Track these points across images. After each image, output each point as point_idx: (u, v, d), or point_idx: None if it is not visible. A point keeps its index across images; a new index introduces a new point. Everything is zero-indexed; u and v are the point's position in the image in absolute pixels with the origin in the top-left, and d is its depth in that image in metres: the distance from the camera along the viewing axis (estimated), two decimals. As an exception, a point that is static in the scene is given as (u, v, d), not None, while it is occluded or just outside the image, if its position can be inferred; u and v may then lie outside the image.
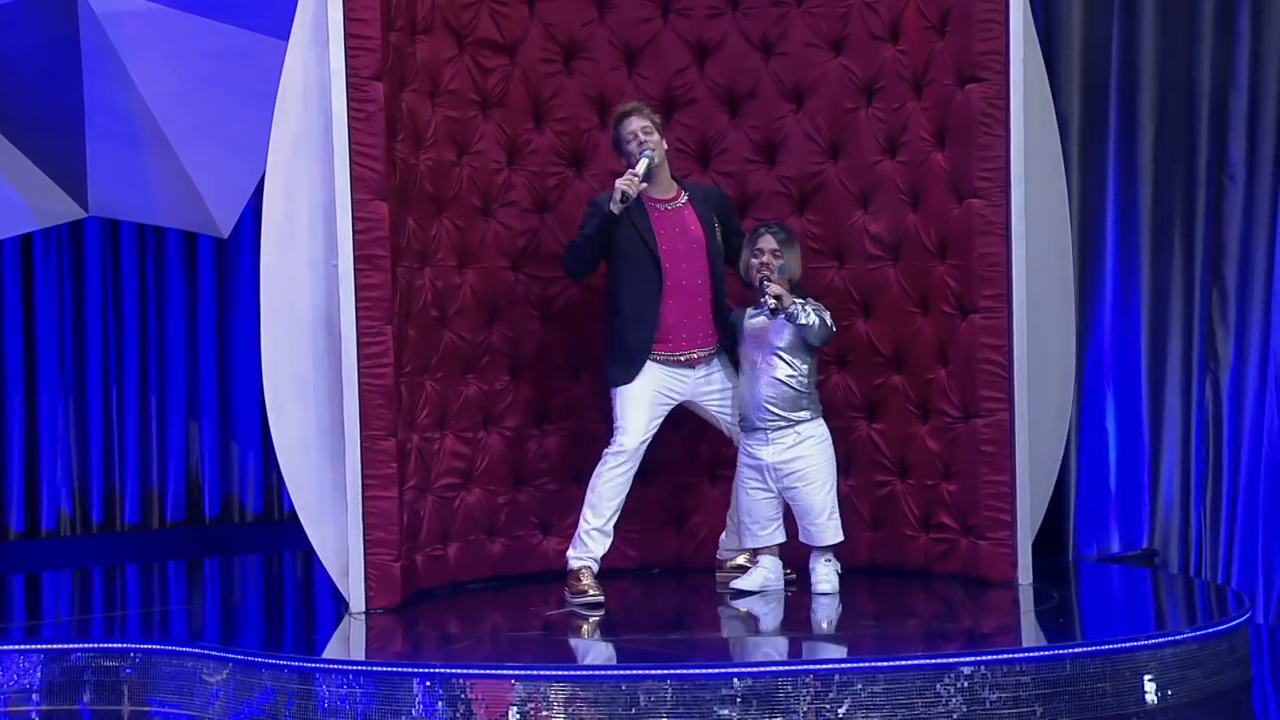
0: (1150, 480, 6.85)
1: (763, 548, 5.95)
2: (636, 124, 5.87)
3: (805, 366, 5.85)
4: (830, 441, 5.92)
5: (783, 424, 5.82)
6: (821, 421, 5.92)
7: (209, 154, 7.24)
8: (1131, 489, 6.88)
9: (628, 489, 5.86)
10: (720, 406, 6.02)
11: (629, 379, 5.85)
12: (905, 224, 6.17)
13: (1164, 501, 6.84)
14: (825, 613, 5.69)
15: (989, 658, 4.75)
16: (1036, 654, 4.82)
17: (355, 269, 5.64)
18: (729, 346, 6.04)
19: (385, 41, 5.71)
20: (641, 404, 5.86)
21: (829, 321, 5.81)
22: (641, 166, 5.78)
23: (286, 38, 5.78)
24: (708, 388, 6.00)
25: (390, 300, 5.69)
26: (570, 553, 5.90)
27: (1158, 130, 6.80)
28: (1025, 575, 5.87)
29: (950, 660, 4.72)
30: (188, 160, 7.21)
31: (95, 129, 7.09)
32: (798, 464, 5.84)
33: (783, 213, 6.36)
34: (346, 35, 5.62)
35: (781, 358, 5.83)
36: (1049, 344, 6.08)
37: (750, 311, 5.92)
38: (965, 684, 4.68)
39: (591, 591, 5.78)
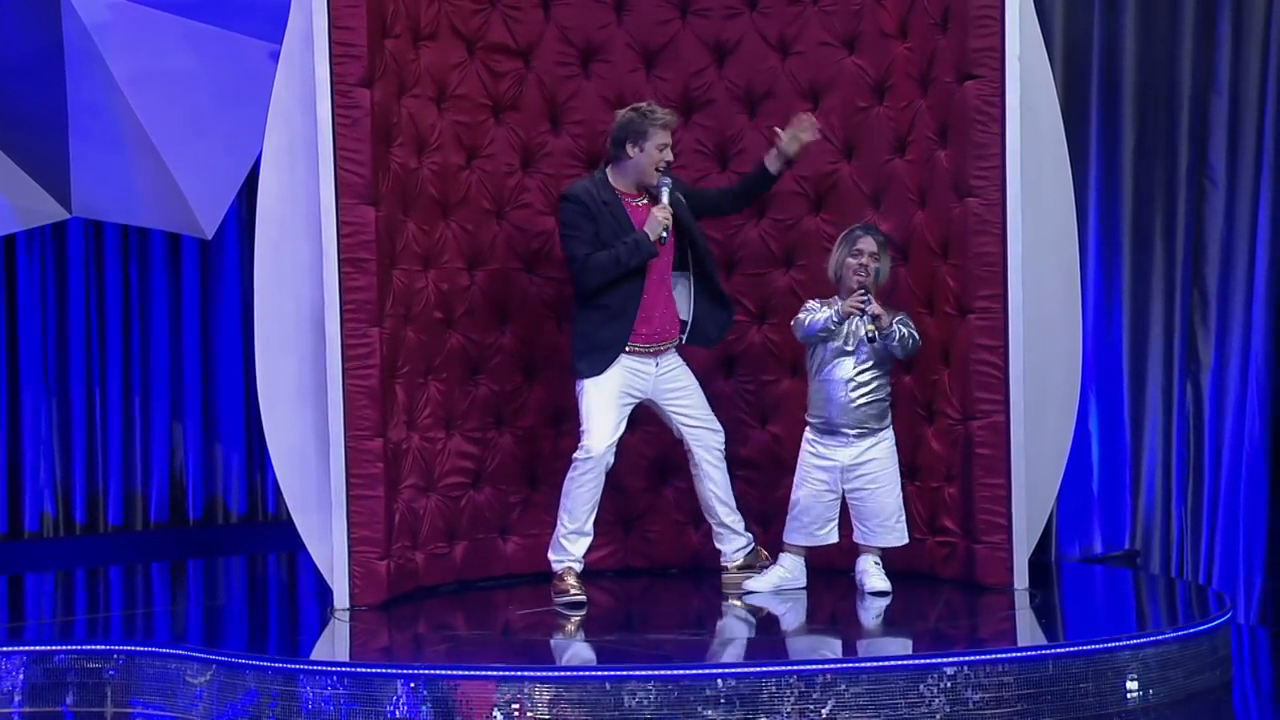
0: (1132, 481, 6.87)
1: (792, 547, 5.93)
2: (667, 139, 5.83)
3: (889, 375, 5.83)
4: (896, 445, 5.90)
5: (867, 431, 5.80)
6: (891, 425, 5.89)
7: (193, 155, 7.21)
8: (1113, 490, 6.89)
9: (601, 490, 5.87)
10: (678, 406, 6.01)
11: (599, 371, 5.83)
12: (913, 223, 6.12)
13: (1145, 502, 6.85)
14: (826, 613, 5.73)
15: (972, 658, 4.75)
16: (1019, 654, 4.82)
17: (341, 272, 5.68)
18: (716, 337, 6.07)
19: (374, 48, 5.74)
20: (608, 406, 5.85)
21: (917, 336, 5.78)
22: (665, 196, 5.79)
23: (270, 39, 5.80)
24: (671, 385, 5.99)
25: (376, 303, 5.72)
26: (551, 556, 5.92)
27: (1139, 133, 6.81)
28: (1021, 580, 5.80)
29: (933, 660, 4.72)
30: (171, 161, 7.18)
31: (78, 130, 7.06)
32: (872, 466, 5.79)
33: (799, 212, 6.34)
34: (331, 43, 5.66)
35: (875, 368, 5.78)
36: (1054, 344, 5.99)
37: (834, 314, 5.74)
38: (948, 684, 4.67)
39: (573, 591, 5.79)
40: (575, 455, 5.86)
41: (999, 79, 5.77)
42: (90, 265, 7.88)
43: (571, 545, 5.87)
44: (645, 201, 5.91)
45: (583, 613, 5.71)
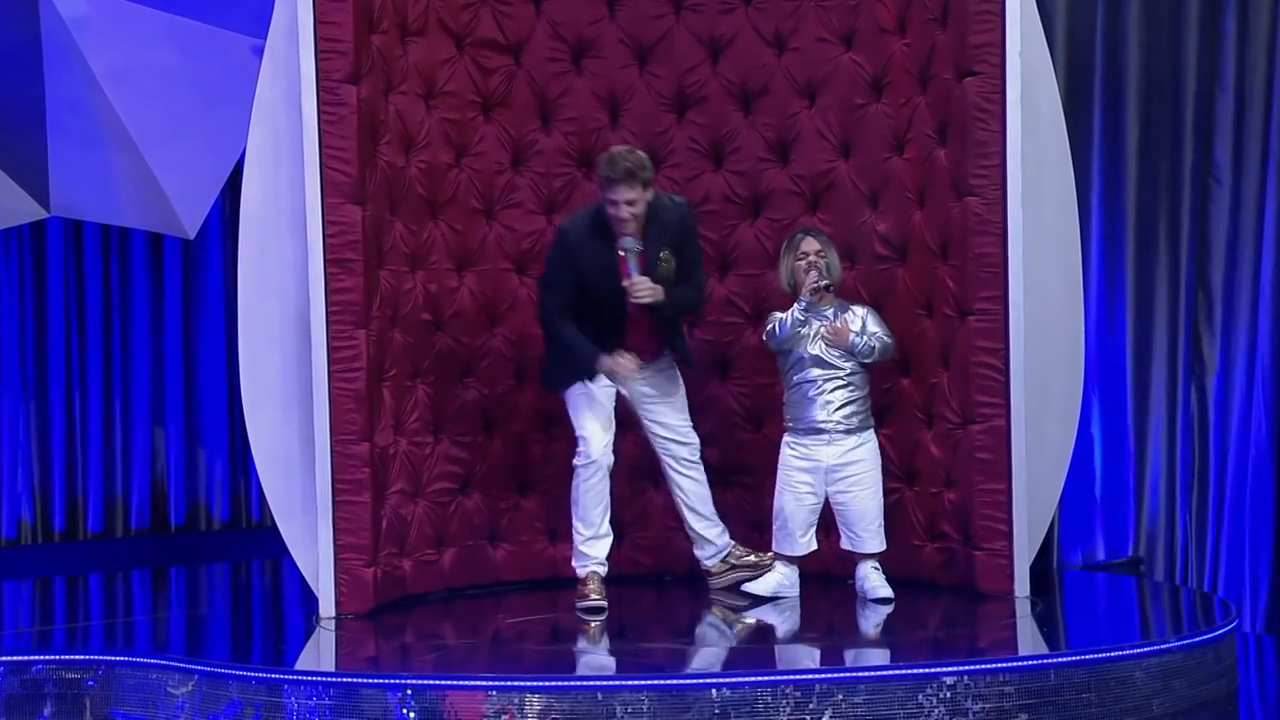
0: (1135, 487, 6.86)
1: (782, 556, 5.88)
2: (623, 195, 5.61)
3: (866, 373, 5.85)
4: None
5: (850, 429, 5.79)
6: (874, 427, 5.89)
7: (174, 153, 7.19)
8: (1117, 496, 6.87)
9: (608, 491, 5.84)
10: (651, 413, 5.96)
11: (569, 384, 5.82)
12: (912, 223, 6.09)
13: (1149, 508, 6.84)
14: (822, 621, 5.72)
15: (972, 667, 4.71)
16: (1020, 664, 4.79)
17: (326, 273, 5.65)
18: (683, 358, 6.00)
19: (360, 44, 5.71)
20: (594, 405, 5.82)
21: (889, 340, 5.82)
22: (633, 266, 5.70)
23: (253, 34, 5.77)
24: (648, 389, 5.94)
25: (363, 304, 5.69)
26: (574, 564, 5.91)
27: (1142, 131, 6.80)
28: (1022, 588, 5.77)
29: (933, 670, 4.68)
30: (153, 160, 7.17)
31: (57, 128, 7.03)
32: (855, 468, 5.80)
33: (795, 212, 6.31)
34: (317, 38, 5.63)
35: (858, 364, 5.80)
36: (1055, 346, 5.96)
37: (798, 308, 5.76)
38: (948, 694, 4.63)
39: (593, 596, 5.78)
40: (575, 463, 5.84)
41: (999, 75, 5.74)
42: (70, 266, 7.85)
43: (592, 550, 5.85)
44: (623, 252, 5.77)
45: (601, 618, 5.69)
